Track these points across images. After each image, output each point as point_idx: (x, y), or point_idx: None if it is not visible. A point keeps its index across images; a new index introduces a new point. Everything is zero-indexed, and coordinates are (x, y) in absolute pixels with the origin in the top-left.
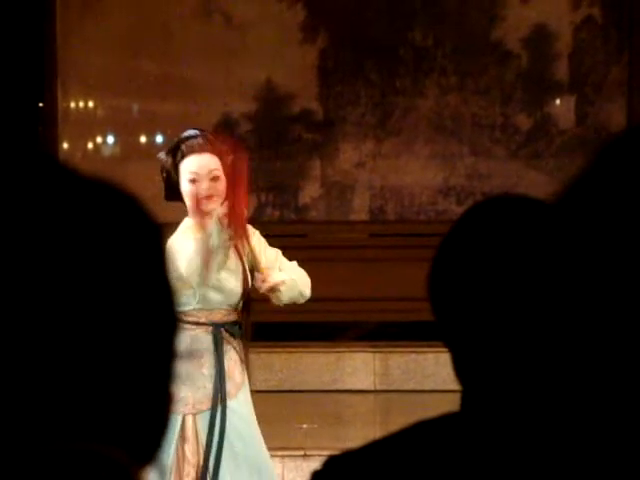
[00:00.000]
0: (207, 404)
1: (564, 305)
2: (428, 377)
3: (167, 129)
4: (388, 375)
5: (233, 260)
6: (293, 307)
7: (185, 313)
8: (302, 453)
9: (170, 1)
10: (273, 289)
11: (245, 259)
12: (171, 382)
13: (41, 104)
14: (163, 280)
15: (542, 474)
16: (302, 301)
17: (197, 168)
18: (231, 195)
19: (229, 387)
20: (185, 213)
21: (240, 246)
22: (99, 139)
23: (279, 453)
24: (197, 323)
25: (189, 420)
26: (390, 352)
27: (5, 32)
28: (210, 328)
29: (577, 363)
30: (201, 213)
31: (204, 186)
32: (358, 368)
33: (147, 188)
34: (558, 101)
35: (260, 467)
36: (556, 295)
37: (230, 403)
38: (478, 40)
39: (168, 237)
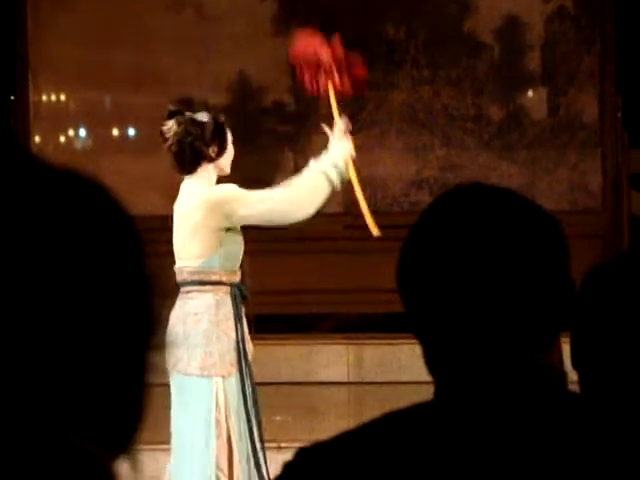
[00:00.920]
0: (235, 366)
1: (513, 293)
2: (402, 369)
3: (139, 122)
4: (362, 367)
5: None
6: (266, 299)
7: (208, 272)
8: (276, 445)
9: None
10: None
11: None
12: (146, 374)
13: (12, 97)
14: (137, 271)
15: (513, 463)
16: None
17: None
18: None
19: (248, 348)
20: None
21: None
22: (71, 132)
23: None
24: (220, 283)
25: (220, 384)
26: (364, 344)
27: None
28: (229, 289)
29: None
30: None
31: None
32: (332, 360)
33: (119, 180)
34: (530, 92)
35: None
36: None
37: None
38: (450, 32)
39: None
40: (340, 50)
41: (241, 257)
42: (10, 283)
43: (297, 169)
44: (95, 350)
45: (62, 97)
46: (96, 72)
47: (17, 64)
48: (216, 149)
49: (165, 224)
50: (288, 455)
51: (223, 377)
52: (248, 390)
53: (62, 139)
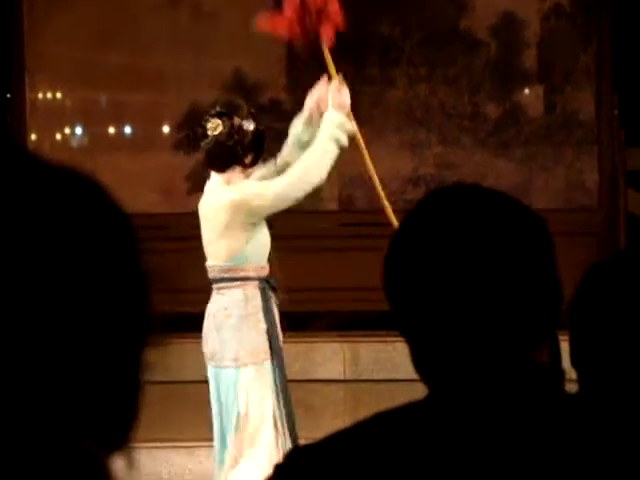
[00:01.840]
0: (260, 358)
1: (515, 293)
2: (398, 367)
3: (136, 119)
4: (357, 365)
5: None
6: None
7: (236, 269)
8: None
9: None
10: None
11: None
12: (141, 371)
13: (9, 95)
14: (133, 268)
15: (506, 461)
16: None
17: None
18: None
19: (279, 339)
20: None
21: None
22: (67, 130)
23: None
24: (247, 278)
25: (252, 372)
26: (360, 342)
27: None
28: (257, 282)
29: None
30: None
31: None
32: (327, 358)
33: (116, 178)
34: (527, 90)
35: None
36: (508, 282)
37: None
38: (446, 29)
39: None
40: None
41: (268, 251)
42: (5, 280)
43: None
44: (90, 347)
45: (58, 95)
46: (92, 70)
47: (13, 62)
48: (251, 158)
49: (161, 221)
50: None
51: (255, 365)
52: (278, 380)
53: (58, 137)
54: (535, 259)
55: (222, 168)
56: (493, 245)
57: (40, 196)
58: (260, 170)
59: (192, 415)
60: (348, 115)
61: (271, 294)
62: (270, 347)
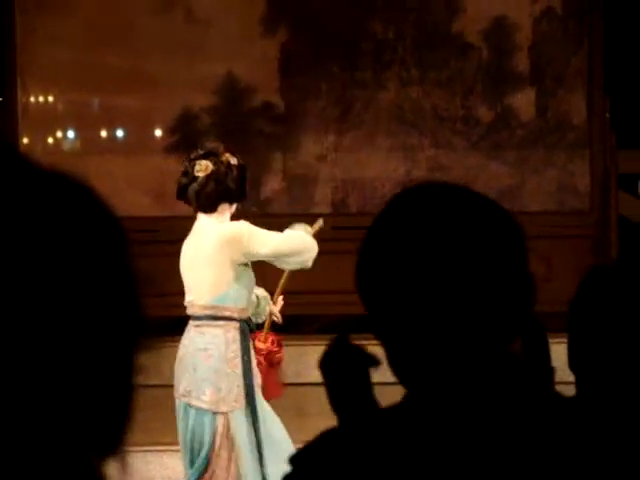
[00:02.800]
0: (241, 402)
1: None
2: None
3: (128, 123)
4: None
5: None
6: None
7: (220, 308)
8: None
9: None
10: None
11: None
12: (133, 374)
13: (0, 99)
14: (123, 272)
15: (486, 459)
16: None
17: None
18: None
19: (256, 383)
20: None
21: None
22: (59, 133)
23: None
24: (230, 319)
25: (224, 419)
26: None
27: None
28: (238, 324)
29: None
30: None
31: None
32: None
33: (107, 181)
34: (519, 93)
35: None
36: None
37: (259, 399)
38: (439, 33)
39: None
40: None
41: (251, 293)
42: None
43: (286, 170)
44: (82, 350)
45: (50, 98)
46: (84, 74)
47: (5, 65)
48: (239, 192)
49: (152, 225)
50: None
51: (229, 412)
52: (258, 424)
53: (50, 140)
54: (506, 255)
55: (213, 207)
56: (464, 243)
57: (30, 200)
58: None
59: None
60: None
61: (249, 336)
62: (248, 393)
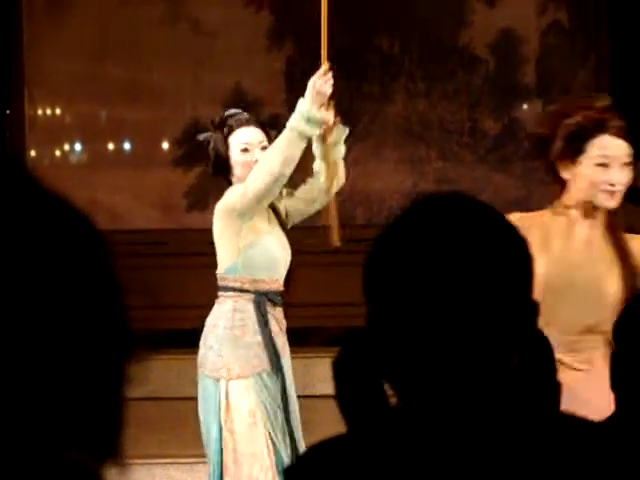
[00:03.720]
0: (248, 371)
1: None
2: None
3: (135, 135)
4: None
5: (278, 227)
6: None
7: (228, 279)
8: None
9: (137, 8)
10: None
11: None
12: (122, 386)
13: (8, 111)
14: (106, 283)
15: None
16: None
17: (248, 138)
18: None
19: (280, 353)
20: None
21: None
22: (67, 146)
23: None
24: (240, 290)
25: (227, 386)
26: None
27: None
28: (253, 296)
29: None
30: None
31: (257, 156)
32: (328, 374)
33: (115, 194)
34: (526, 105)
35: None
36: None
37: (268, 374)
38: (445, 45)
39: (136, 243)
40: None
41: (275, 267)
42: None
43: (292, 182)
44: (70, 360)
45: (58, 111)
46: (92, 86)
47: (12, 77)
48: None
49: (160, 237)
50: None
51: (230, 381)
52: (252, 398)
53: (57, 153)
54: (512, 277)
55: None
56: (468, 255)
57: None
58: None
59: (193, 431)
60: (326, 104)
61: (269, 309)
62: (265, 363)
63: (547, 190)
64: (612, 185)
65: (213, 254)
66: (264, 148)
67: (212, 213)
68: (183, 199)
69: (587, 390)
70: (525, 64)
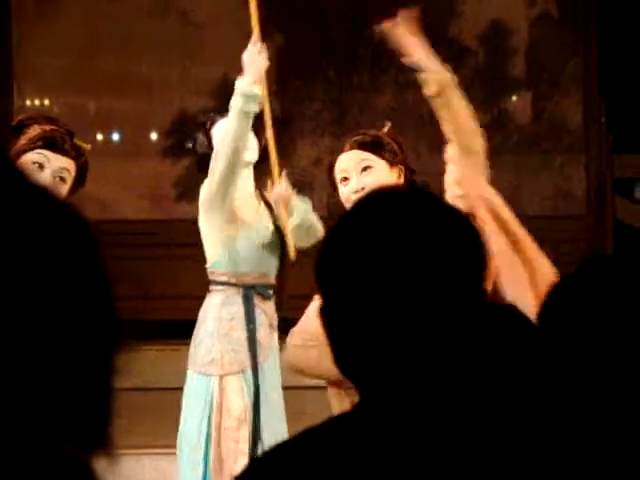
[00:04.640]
0: (237, 367)
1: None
2: None
3: (124, 126)
4: None
5: (268, 221)
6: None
7: (216, 272)
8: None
9: None
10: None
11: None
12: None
13: None
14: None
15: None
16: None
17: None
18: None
19: (259, 351)
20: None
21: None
22: None
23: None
24: (227, 283)
25: (218, 382)
26: None
27: None
28: (241, 290)
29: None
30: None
31: None
32: None
33: (105, 185)
34: (515, 97)
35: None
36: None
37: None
38: (435, 36)
39: (125, 233)
40: None
41: (259, 260)
42: None
43: (282, 173)
44: (59, 351)
45: (46, 102)
46: (80, 77)
47: (1, 70)
48: None
49: (149, 228)
50: None
51: (221, 376)
52: (245, 392)
53: None
54: (464, 268)
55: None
56: (421, 250)
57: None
58: None
59: None
60: (260, 79)
61: (258, 303)
62: (244, 360)
63: (536, 182)
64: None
65: (202, 245)
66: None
67: None
68: (172, 189)
69: None
70: (514, 55)
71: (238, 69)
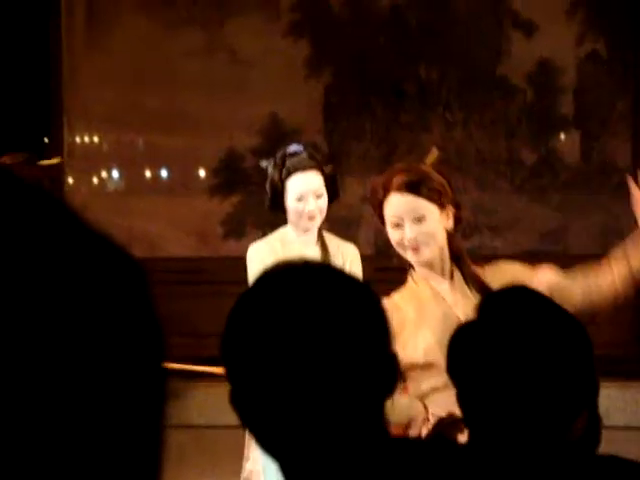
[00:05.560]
0: None
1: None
2: None
3: (172, 164)
4: None
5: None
6: None
7: None
8: None
9: (175, 37)
10: None
11: None
12: (162, 422)
13: (47, 139)
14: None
15: None
16: None
17: (303, 187)
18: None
19: None
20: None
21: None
22: (104, 174)
23: None
24: None
25: None
26: None
27: (12, 67)
28: None
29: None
30: (303, 229)
31: (310, 206)
32: None
33: (153, 222)
34: (563, 136)
35: None
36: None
37: None
38: (483, 75)
39: (173, 271)
40: None
41: None
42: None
43: (329, 211)
44: (107, 395)
45: (95, 139)
46: (129, 114)
47: (51, 106)
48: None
49: (196, 266)
50: None
51: None
52: None
53: (95, 180)
54: (369, 336)
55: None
56: (323, 322)
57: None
58: None
59: (231, 460)
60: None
61: None
62: None
63: (584, 220)
64: (409, 242)
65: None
66: (319, 196)
67: (248, 241)
68: (220, 227)
69: None
70: (563, 94)
71: (287, 107)
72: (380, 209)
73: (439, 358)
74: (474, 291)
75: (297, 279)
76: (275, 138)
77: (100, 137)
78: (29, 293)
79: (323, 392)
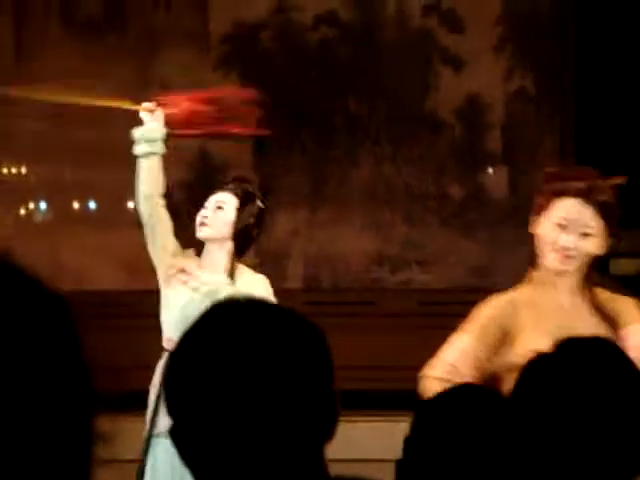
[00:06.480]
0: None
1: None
2: (357, 446)
3: (100, 196)
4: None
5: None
6: None
7: (172, 339)
8: None
9: (104, 69)
10: None
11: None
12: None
13: None
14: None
15: None
16: None
17: (215, 197)
18: None
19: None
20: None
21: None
22: (31, 205)
23: None
24: (165, 349)
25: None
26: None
27: None
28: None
29: None
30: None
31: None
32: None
33: (80, 254)
34: (491, 170)
35: None
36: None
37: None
38: (412, 110)
39: (101, 303)
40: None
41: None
42: None
43: (258, 245)
44: (36, 424)
45: (23, 170)
46: (57, 145)
47: None
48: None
49: (124, 298)
50: None
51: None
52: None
53: (22, 212)
54: (311, 373)
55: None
56: (269, 361)
57: None
58: None
59: None
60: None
61: None
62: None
63: (511, 257)
64: (566, 249)
65: None
66: (219, 207)
67: None
68: (149, 260)
69: None
70: (491, 130)
71: (215, 141)
72: (549, 201)
73: None
74: (596, 312)
75: (241, 316)
76: (204, 172)
77: (27, 169)
78: None
79: (261, 433)
